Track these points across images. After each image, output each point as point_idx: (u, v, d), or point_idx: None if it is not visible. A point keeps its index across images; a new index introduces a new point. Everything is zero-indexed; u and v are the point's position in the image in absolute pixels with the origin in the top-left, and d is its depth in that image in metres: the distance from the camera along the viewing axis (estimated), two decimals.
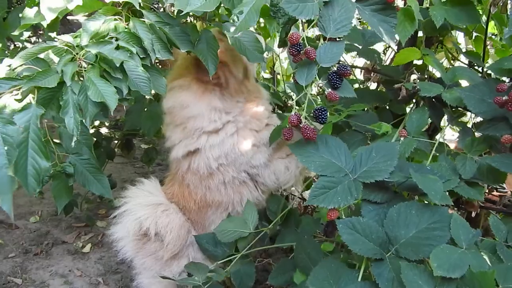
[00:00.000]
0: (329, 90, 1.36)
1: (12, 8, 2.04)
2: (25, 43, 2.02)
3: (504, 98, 1.39)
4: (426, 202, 1.31)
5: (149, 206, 1.86)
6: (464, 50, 2.02)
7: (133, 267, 2.03)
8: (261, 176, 1.89)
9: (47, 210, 3.27)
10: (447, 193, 1.35)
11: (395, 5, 1.41)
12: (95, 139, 2.78)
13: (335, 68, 1.37)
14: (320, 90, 1.38)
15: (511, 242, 1.33)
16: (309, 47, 1.33)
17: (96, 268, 2.75)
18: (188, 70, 1.81)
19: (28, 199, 3.36)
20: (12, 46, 2.14)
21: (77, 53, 1.33)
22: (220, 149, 1.79)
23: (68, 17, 1.66)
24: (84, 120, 1.30)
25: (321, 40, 1.35)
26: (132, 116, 2.56)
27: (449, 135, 1.64)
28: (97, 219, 3.17)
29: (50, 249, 2.91)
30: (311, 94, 1.39)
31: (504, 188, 1.82)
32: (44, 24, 1.43)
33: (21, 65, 1.28)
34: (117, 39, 1.39)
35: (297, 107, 1.44)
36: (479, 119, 1.55)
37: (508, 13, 1.33)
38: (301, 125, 1.39)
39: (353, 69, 2.14)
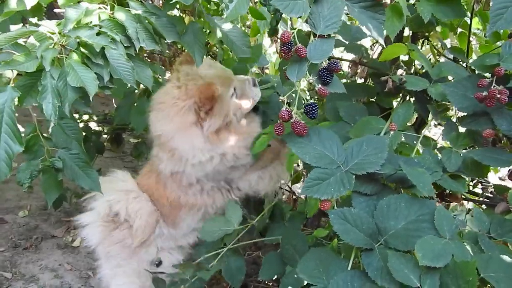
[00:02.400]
0: (320, 86, 1.32)
1: None
2: None
3: (484, 93, 1.37)
4: (412, 194, 1.28)
5: (121, 191, 1.82)
6: (450, 45, 1.96)
7: (96, 258, 1.97)
8: (236, 185, 1.89)
9: (36, 204, 3.13)
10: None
11: (383, 1, 1.37)
12: (84, 133, 2.67)
13: (325, 64, 1.33)
14: (310, 86, 1.32)
15: (493, 234, 1.30)
16: (299, 45, 1.28)
17: (86, 262, 2.63)
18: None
19: (16, 193, 3.21)
20: None
21: (58, 40, 1.22)
22: (203, 171, 1.75)
23: (55, 10, 1.55)
24: (63, 107, 1.19)
25: (312, 37, 1.31)
26: (121, 111, 2.45)
27: (437, 130, 1.60)
28: None
29: (40, 243, 2.78)
30: (301, 90, 1.33)
31: (488, 182, 1.78)
32: (27, 3, 1.32)
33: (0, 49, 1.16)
34: (100, 27, 1.29)
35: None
36: (463, 113, 1.52)
37: (490, 11, 1.29)
38: (291, 121, 1.34)
39: (341, 62, 2.07)
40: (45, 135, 1.66)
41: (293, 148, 1.34)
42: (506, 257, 1.14)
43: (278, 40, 1.33)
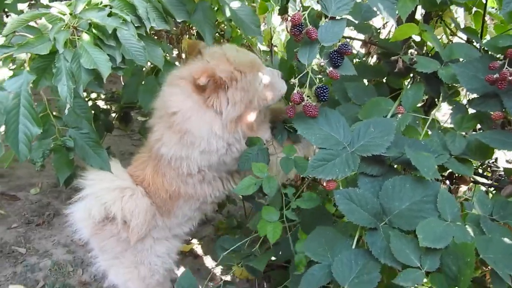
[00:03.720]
0: (331, 68, 1.35)
1: None
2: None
3: (495, 76, 1.37)
4: (419, 176, 1.30)
5: (115, 190, 1.73)
6: (463, 25, 1.95)
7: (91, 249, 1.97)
8: (238, 175, 1.84)
9: (47, 182, 3.23)
10: (438, 167, 1.33)
11: None
12: (93, 112, 2.71)
13: (337, 47, 1.35)
14: (321, 68, 1.35)
15: (496, 216, 1.33)
16: (310, 26, 1.30)
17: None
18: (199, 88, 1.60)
19: (28, 171, 3.32)
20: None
21: (69, 21, 1.26)
22: (206, 161, 1.68)
23: None
24: (77, 88, 1.24)
25: (323, 19, 1.32)
26: (129, 89, 2.47)
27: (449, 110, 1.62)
28: None
29: (52, 220, 2.90)
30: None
31: (497, 166, 1.80)
32: None
33: (13, 33, 1.21)
34: (111, 7, 1.33)
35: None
36: (474, 96, 1.52)
37: None
38: (303, 103, 1.38)
39: (353, 41, 2.09)
40: (55, 113, 1.71)
41: (300, 129, 1.38)
42: (506, 239, 1.19)
43: (288, 19, 1.34)
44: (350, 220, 1.27)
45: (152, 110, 1.76)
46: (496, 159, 1.90)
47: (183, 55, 3.19)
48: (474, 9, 1.87)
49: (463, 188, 1.78)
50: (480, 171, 1.90)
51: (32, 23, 1.29)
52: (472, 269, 1.11)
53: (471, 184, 1.70)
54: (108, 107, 3.15)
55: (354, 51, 2.14)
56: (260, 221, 1.58)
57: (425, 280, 1.19)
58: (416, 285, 1.18)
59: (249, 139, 1.68)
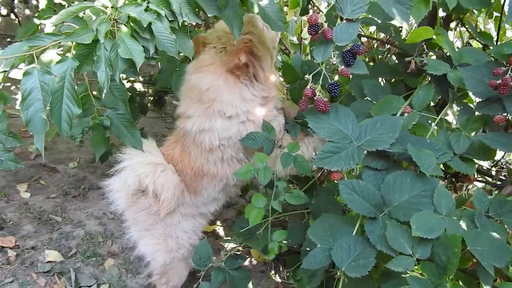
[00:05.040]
0: (343, 67, 1.45)
1: None
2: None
3: (498, 81, 1.44)
4: (421, 172, 1.40)
5: (149, 165, 1.94)
6: (482, 29, 2.00)
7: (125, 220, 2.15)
8: (253, 160, 1.97)
9: (85, 157, 3.48)
10: (442, 166, 1.43)
11: None
12: (129, 94, 2.90)
13: (349, 47, 1.45)
14: (335, 66, 1.45)
15: (492, 213, 1.43)
16: (326, 27, 1.40)
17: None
18: (230, 60, 1.86)
19: (67, 146, 3.57)
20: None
21: (111, 14, 1.43)
22: (227, 132, 1.88)
23: None
24: (114, 75, 1.41)
25: (338, 20, 1.42)
26: (164, 75, 2.65)
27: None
28: None
29: (87, 193, 3.13)
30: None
31: (503, 165, 1.87)
32: None
33: (62, 22, 1.39)
34: (148, 2, 1.48)
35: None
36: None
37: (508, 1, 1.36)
38: (315, 98, 1.49)
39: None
40: (94, 93, 1.89)
41: (311, 123, 1.50)
42: (494, 234, 1.29)
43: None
44: (351, 208, 1.39)
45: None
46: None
47: None
48: (496, 13, 1.91)
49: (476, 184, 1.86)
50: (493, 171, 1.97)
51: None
52: (458, 259, 1.22)
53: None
54: (145, 90, 3.33)
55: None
56: (249, 205, 1.77)
57: (416, 267, 1.31)
58: (407, 270, 1.29)
59: (264, 123, 1.87)
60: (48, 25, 2.15)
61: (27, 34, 2.34)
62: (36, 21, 2.27)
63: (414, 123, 1.57)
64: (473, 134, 1.54)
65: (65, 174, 3.27)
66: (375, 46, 2.23)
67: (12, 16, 4.69)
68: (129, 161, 1.95)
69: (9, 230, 2.67)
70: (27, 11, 4.91)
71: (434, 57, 1.81)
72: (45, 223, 2.80)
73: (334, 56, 1.43)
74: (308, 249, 1.69)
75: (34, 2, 4.95)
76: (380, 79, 1.98)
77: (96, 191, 3.14)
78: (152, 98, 3.20)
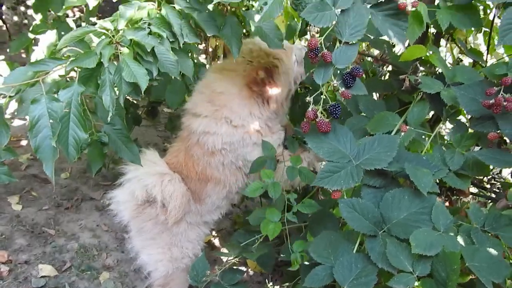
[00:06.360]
0: (343, 89, 1.51)
1: None
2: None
3: (491, 101, 1.51)
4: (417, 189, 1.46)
5: (155, 175, 1.99)
6: (472, 44, 2.07)
7: (128, 231, 2.19)
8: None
9: (77, 167, 3.46)
10: (438, 181, 1.49)
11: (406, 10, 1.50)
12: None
13: (349, 69, 1.50)
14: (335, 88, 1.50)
15: (488, 227, 1.49)
16: (325, 50, 1.45)
17: (122, 225, 2.91)
18: (250, 73, 1.95)
19: (59, 155, 3.54)
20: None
21: (113, 36, 1.46)
22: (230, 138, 1.97)
23: None
24: (118, 98, 1.45)
25: (337, 44, 1.47)
26: (157, 88, 2.68)
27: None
28: None
29: (80, 204, 3.12)
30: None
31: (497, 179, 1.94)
32: (90, 4, 1.54)
33: (65, 46, 1.41)
34: (149, 24, 1.52)
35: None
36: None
37: (499, 25, 1.42)
38: (317, 120, 1.54)
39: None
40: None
41: (310, 143, 1.55)
42: (491, 250, 1.35)
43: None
44: (352, 227, 1.44)
45: (178, 108, 2.02)
46: (500, 171, 2.04)
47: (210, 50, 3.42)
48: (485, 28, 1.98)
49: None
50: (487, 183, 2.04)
51: None
52: (457, 275, 1.28)
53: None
54: (137, 101, 3.34)
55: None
56: (264, 220, 1.84)
57: (417, 283, 1.36)
58: (408, 287, 1.34)
59: (264, 144, 1.96)
60: (42, 40, 2.17)
61: (20, 48, 2.36)
62: (30, 35, 2.28)
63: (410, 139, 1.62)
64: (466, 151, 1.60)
65: (57, 185, 3.26)
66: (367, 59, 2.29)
67: (0, 22, 4.66)
68: (134, 172, 1.99)
69: (1, 244, 2.66)
70: (15, 18, 4.88)
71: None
72: (38, 236, 2.79)
73: (334, 78, 1.47)
74: (307, 263, 1.76)
75: (22, 9, 4.93)
76: (374, 94, 2.04)
77: (89, 202, 3.15)
78: (145, 109, 3.21)
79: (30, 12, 4.89)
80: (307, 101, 1.53)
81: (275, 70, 1.95)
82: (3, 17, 4.64)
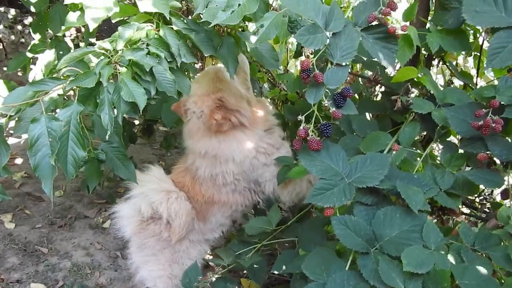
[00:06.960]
0: (334, 108, 1.55)
1: (53, 3, 2.22)
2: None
3: (480, 123, 1.55)
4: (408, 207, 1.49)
5: (162, 192, 2.03)
6: (463, 68, 2.14)
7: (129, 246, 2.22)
8: (262, 188, 2.11)
9: (71, 185, 3.48)
10: (429, 200, 1.52)
11: (396, 34, 1.56)
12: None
13: (340, 90, 1.55)
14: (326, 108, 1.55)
15: (478, 246, 1.52)
16: (317, 71, 1.50)
17: (115, 243, 2.96)
18: (210, 123, 1.96)
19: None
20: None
21: (112, 56, 1.51)
22: (240, 168, 2.02)
23: None
24: (117, 117, 1.48)
25: (329, 65, 1.52)
26: (153, 106, 2.71)
27: None
28: (116, 197, 3.32)
29: (73, 223, 3.13)
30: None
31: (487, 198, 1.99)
32: (90, 26, 1.59)
33: (65, 67, 1.46)
34: (148, 45, 1.57)
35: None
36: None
37: (488, 49, 1.48)
38: (308, 138, 1.58)
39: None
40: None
41: (303, 161, 1.59)
42: (481, 268, 1.38)
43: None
44: (344, 244, 1.46)
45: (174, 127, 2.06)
46: (492, 191, 2.09)
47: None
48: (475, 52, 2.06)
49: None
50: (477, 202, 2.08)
51: None
52: None
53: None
54: (133, 119, 3.38)
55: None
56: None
57: None
58: None
59: (278, 160, 2.02)
60: (41, 59, 2.21)
61: (18, 67, 2.40)
62: (28, 54, 2.33)
63: (402, 159, 1.66)
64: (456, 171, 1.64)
65: (50, 203, 3.27)
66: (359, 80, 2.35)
67: None
68: (141, 188, 2.02)
69: None
70: (12, 37, 4.94)
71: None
72: (31, 254, 2.79)
73: (325, 99, 1.52)
74: (298, 278, 1.77)
75: (20, 28, 5.00)
76: (367, 114, 2.09)
77: (83, 221, 3.16)
78: (140, 127, 3.25)
79: (27, 30, 4.97)
80: (298, 119, 1.57)
81: (222, 101, 1.96)
82: (0, 35, 4.71)
